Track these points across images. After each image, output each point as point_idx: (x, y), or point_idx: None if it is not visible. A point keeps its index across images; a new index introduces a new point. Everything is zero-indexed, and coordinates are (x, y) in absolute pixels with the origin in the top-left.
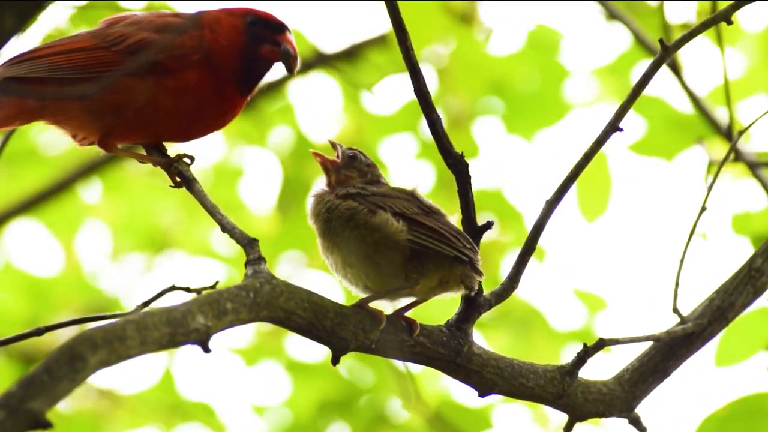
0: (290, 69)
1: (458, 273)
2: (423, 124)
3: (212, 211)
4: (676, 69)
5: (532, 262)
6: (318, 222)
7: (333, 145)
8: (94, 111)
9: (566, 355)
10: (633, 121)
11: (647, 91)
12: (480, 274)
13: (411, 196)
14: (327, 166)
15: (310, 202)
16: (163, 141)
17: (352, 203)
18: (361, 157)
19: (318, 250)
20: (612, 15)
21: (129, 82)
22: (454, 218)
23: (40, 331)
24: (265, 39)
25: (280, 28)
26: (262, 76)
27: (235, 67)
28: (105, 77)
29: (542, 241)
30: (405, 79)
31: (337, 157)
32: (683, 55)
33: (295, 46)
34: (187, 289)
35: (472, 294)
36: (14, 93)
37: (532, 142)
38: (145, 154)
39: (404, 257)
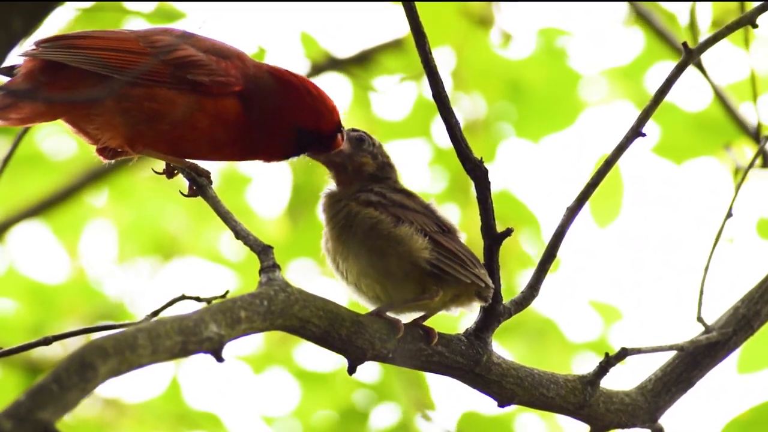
0: None
1: (473, 290)
2: (435, 128)
3: (226, 217)
4: (703, 70)
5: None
6: (333, 227)
7: None
8: (130, 115)
9: (581, 367)
10: (652, 126)
11: (669, 98)
12: (491, 288)
13: (428, 210)
14: (336, 162)
15: (321, 201)
16: (184, 156)
17: (374, 212)
18: (368, 138)
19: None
20: (639, 15)
21: (169, 94)
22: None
23: (47, 341)
24: (312, 146)
25: (331, 139)
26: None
27: (277, 152)
28: (116, 81)
29: (559, 250)
30: (416, 83)
31: (343, 138)
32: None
33: (343, 147)
34: (197, 299)
35: (486, 303)
36: (25, 96)
37: (540, 145)
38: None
39: (422, 273)
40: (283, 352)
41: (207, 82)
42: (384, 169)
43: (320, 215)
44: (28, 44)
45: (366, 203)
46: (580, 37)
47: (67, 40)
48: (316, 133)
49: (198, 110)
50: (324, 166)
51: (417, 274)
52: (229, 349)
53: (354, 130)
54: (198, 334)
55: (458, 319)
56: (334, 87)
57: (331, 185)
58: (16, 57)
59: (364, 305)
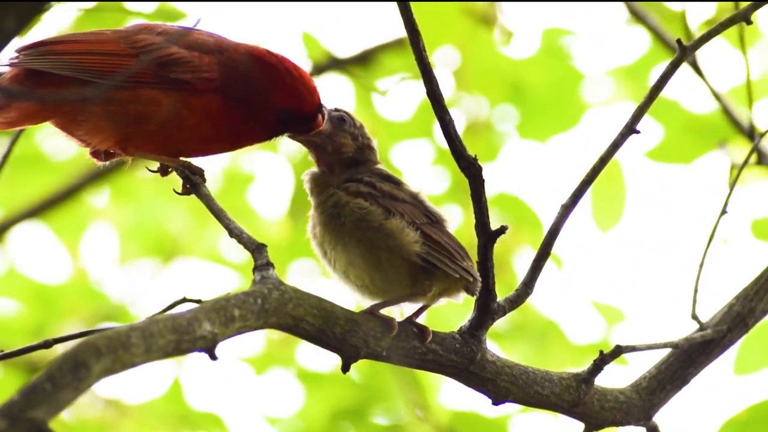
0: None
1: (461, 283)
2: (438, 128)
3: (219, 215)
4: (697, 68)
5: (550, 272)
6: (321, 213)
7: None
8: (116, 118)
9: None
10: (650, 127)
11: (666, 95)
12: (478, 281)
13: (415, 200)
14: (317, 143)
15: (306, 182)
16: (175, 155)
17: (363, 202)
18: (348, 119)
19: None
20: (635, 14)
21: (153, 94)
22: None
23: (47, 344)
24: (292, 126)
25: (311, 119)
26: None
27: (261, 135)
28: (108, 81)
29: (559, 251)
30: (419, 83)
31: (323, 118)
32: (701, 57)
33: (322, 127)
34: (199, 302)
35: (473, 296)
36: (19, 96)
37: (547, 145)
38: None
39: (410, 266)
40: (284, 352)
41: (190, 80)
42: (364, 151)
43: (309, 197)
44: (10, 52)
45: (356, 194)
46: (583, 37)
47: (46, 46)
48: (296, 113)
49: (184, 108)
50: (304, 146)
51: (407, 267)
52: (231, 350)
53: (336, 109)
54: (191, 332)
55: (453, 317)
56: (337, 87)
57: (314, 168)
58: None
59: (352, 294)
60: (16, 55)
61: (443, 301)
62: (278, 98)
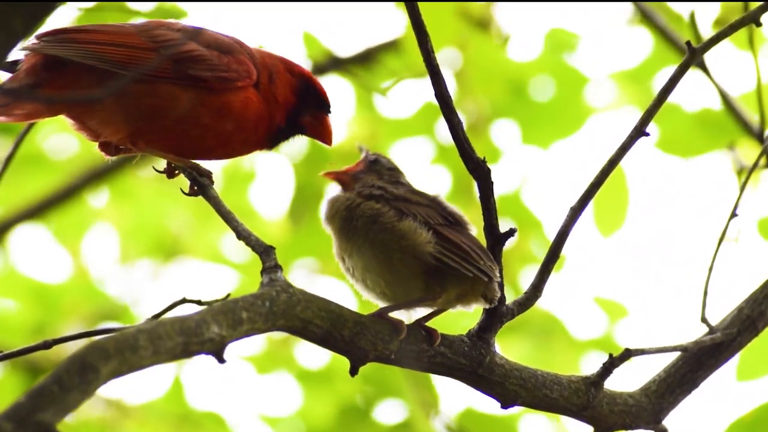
0: (327, 143)
1: (479, 289)
2: (439, 127)
3: (228, 217)
4: (705, 69)
5: (554, 270)
6: (336, 221)
7: (360, 149)
8: (131, 111)
9: (587, 365)
10: (658, 130)
11: (672, 98)
12: (500, 288)
13: (433, 203)
14: (344, 180)
15: (325, 206)
16: (183, 156)
17: (375, 204)
18: (383, 161)
19: (332, 256)
20: (644, 15)
21: (173, 90)
22: (474, 230)
23: (47, 345)
24: (308, 110)
25: (326, 107)
26: (291, 138)
27: (277, 124)
28: (118, 80)
29: (564, 250)
30: (420, 82)
31: (362, 159)
32: (709, 61)
33: (332, 130)
34: (199, 302)
35: (492, 306)
36: (27, 97)
37: (549, 151)
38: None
39: (425, 268)
40: (286, 351)
41: (208, 78)
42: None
43: (324, 221)
44: (29, 38)
45: (368, 197)
46: (586, 39)
47: (68, 34)
48: (316, 91)
49: (200, 106)
50: (333, 181)
51: (420, 269)
52: (233, 349)
53: (374, 153)
54: (199, 335)
55: (462, 321)
56: (338, 87)
57: (335, 190)
58: (18, 52)
59: (374, 302)
60: (36, 40)
61: (471, 308)
62: (301, 72)
